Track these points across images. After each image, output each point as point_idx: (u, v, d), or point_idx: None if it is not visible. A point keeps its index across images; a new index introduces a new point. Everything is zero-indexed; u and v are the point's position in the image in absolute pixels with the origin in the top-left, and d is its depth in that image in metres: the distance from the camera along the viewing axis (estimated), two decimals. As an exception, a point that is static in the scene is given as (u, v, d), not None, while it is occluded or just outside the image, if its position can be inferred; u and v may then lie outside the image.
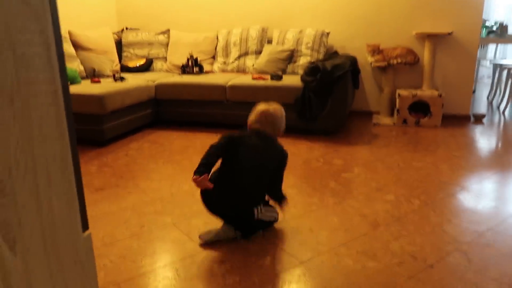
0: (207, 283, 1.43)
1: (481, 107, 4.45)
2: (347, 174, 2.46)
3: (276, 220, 1.79)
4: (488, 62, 5.15)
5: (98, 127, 3.03)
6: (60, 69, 0.53)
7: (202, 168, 1.58)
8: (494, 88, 4.76)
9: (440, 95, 3.47)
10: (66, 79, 0.54)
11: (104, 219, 1.91)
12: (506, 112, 4.16)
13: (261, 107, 1.80)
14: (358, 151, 2.92)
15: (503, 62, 4.81)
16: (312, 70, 3.18)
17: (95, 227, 1.83)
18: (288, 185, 2.28)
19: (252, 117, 1.80)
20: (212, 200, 1.69)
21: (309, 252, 1.61)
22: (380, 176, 2.42)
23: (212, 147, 1.65)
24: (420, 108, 3.59)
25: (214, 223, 1.79)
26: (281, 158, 1.76)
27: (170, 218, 1.92)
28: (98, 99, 2.95)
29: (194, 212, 1.96)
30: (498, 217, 1.89)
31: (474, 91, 5.19)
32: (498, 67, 4.63)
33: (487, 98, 4.87)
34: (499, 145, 3.04)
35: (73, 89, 3.08)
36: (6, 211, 0.47)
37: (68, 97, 0.54)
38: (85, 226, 0.60)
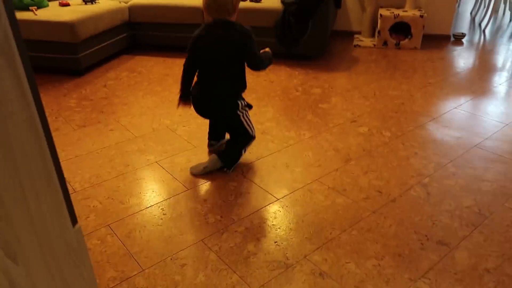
0: (191, 222, 1.57)
1: (464, 24, 4.41)
2: (324, 104, 2.53)
3: (253, 136, 1.88)
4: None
5: (73, 55, 2.95)
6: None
7: (184, 90, 1.80)
8: (478, 3, 4.66)
9: (421, 16, 3.42)
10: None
11: (89, 159, 1.99)
12: (487, 30, 4.15)
13: None
14: (337, 78, 2.95)
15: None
16: (292, -9, 3.05)
17: (81, 168, 1.92)
18: (267, 118, 2.35)
19: (203, 5, 1.73)
20: (198, 109, 1.85)
21: (285, 189, 1.75)
22: (355, 106, 2.50)
23: (184, 65, 1.80)
24: (401, 29, 3.55)
25: (196, 160, 1.90)
26: (244, 41, 1.70)
27: (153, 156, 2.00)
28: (69, 27, 2.83)
29: (176, 149, 2.05)
30: (461, 149, 2.03)
31: (458, 5, 5.09)
32: (484, -20, 4.49)
33: (470, 13, 4.79)
34: (474, 70, 3.10)
35: (41, 14, 2.93)
36: (6, 230, 0.54)
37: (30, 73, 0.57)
38: (74, 220, 0.68)
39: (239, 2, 1.75)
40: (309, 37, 3.13)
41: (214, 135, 2.06)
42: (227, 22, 1.70)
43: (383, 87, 2.78)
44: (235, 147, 1.88)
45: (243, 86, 1.83)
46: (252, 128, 1.88)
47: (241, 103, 1.83)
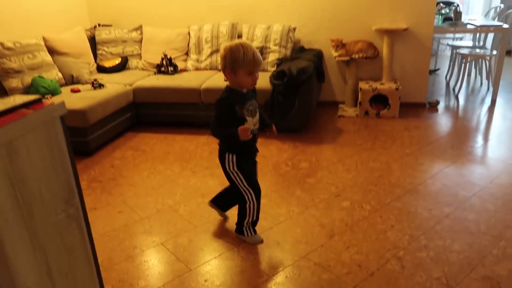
0: (193, 302, 1.78)
1: (441, 88, 4.81)
2: (311, 179, 2.81)
3: (247, 201, 2.07)
4: (448, 41, 5.45)
5: (83, 138, 3.25)
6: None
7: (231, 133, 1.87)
8: (451, 69, 5.09)
9: (397, 88, 3.79)
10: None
11: (101, 242, 2.22)
12: (460, 96, 4.53)
13: (241, 51, 1.80)
14: (323, 150, 3.26)
15: (459, 44, 5.11)
16: (279, 74, 3.43)
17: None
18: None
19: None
20: None
21: (276, 267, 1.98)
22: (339, 180, 2.78)
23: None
24: (380, 99, 3.91)
25: (198, 241, 2.13)
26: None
27: (158, 237, 2.24)
28: (81, 114, 3.16)
29: (179, 230, 2.29)
30: (432, 220, 2.28)
31: (437, 70, 5.53)
32: (454, 49, 4.95)
33: (445, 77, 5.22)
34: (447, 138, 3.42)
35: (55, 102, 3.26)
36: None
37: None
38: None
39: (235, 64, 1.80)
40: (295, 111, 3.47)
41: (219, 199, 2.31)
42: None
43: (364, 159, 3.07)
44: (239, 215, 2.13)
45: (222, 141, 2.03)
46: (249, 194, 2.04)
47: (228, 159, 1.97)
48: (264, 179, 2.82)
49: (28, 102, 0.96)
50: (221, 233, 2.27)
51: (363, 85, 3.91)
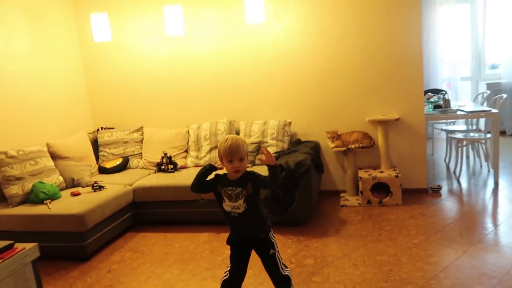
0: None
1: (442, 171, 4.82)
2: (317, 277, 2.67)
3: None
4: (442, 126, 5.59)
5: (80, 243, 3.17)
6: None
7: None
8: (449, 152, 5.15)
9: (397, 176, 3.79)
10: None
11: None
12: (462, 179, 4.52)
13: (223, 141, 2.01)
14: (327, 244, 3.14)
15: (452, 128, 5.24)
16: (278, 168, 3.45)
17: None
18: (263, 299, 2.46)
19: (221, 153, 2.01)
20: None
21: None
22: (347, 277, 2.63)
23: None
24: (382, 187, 3.89)
25: None
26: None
27: None
28: (79, 219, 3.11)
29: None
30: (450, 321, 2.11)
31: (432, 154, 5.59)
32: (449, 133, 5.05)
33: (444, 161, 5.25)
34: (453, 225, 3.32)
35: (54, 207, 3.23)
36: None
37: None
38: None
39: (219, 153, 2.02)
40: (297, 205, 3.42)
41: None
42: None
43: (371, 252, 2.95)
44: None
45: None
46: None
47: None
48: (267, 280, 2.68)
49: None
50: None
51: (362, 174, 3.92)
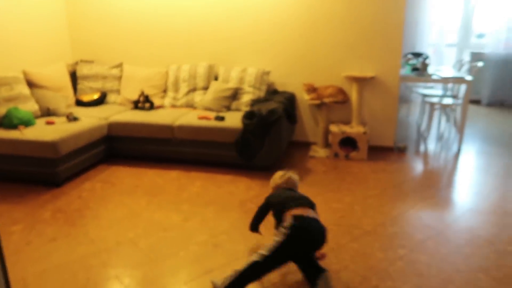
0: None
1: (412, 133, 4.99)
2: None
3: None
4: (419, 89, 5.69)
5: (52, 170, 3.28)
6: None
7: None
8: (422, 115, 5.30)
9: (365, 133, 3.93)
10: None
11: (54, 273, 2.21)
12: (429, 142, 4.70)
13: (281, 175, 2.59)
14: (289, 189, 3.32)
15: (427, 92, 5.35)
16: (250, 114, 3.55)
17: (47, 282, 2.13)
18: (221, 231, 2.64)
19: (278, 182, 2.55)
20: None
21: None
22: (301, 219, 2.82)
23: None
24: (350, 142, 4.04)
25: (153, 275, 2.13)
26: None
27: (114, 270, 2.24)
28: (51, 145, 3.20)
29: (136, 264, 2.29)
30: (385, 262, 2.32)
31: (407, 116, 5.72)
32: (424, 97, 5.17)
33: (416, 123, 5.41)
34: (411, 182, 3.52)
35: (28, 134, 3.30)
36: None
37: None
38: None
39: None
40: (265, 150, 3.56)
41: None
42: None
43: (329, 199, 3.14)
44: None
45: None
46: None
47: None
48: (228, 216, 2.86)
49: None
50: (177, 268, 2.28)
51: (333, 128, 4.05)
